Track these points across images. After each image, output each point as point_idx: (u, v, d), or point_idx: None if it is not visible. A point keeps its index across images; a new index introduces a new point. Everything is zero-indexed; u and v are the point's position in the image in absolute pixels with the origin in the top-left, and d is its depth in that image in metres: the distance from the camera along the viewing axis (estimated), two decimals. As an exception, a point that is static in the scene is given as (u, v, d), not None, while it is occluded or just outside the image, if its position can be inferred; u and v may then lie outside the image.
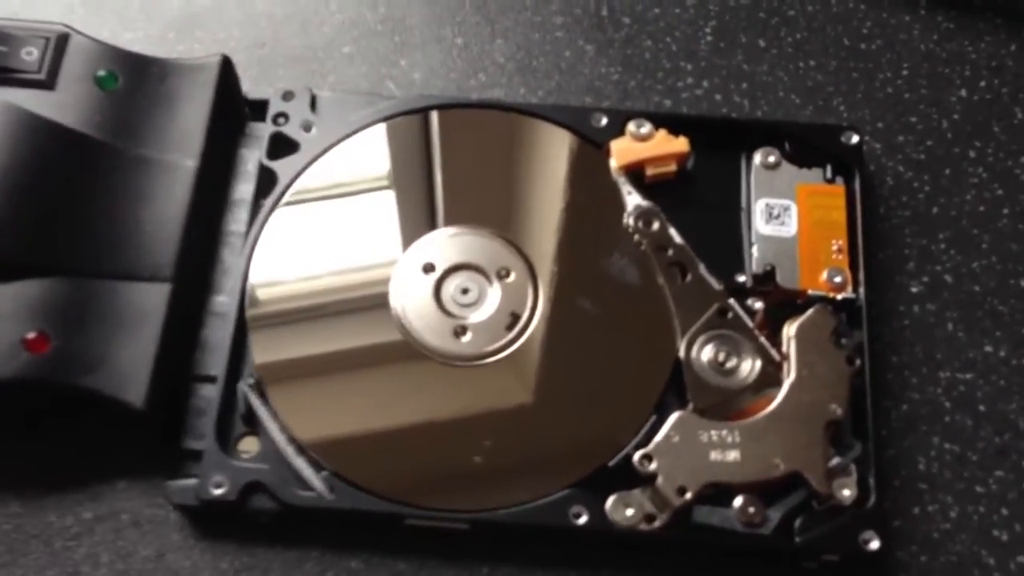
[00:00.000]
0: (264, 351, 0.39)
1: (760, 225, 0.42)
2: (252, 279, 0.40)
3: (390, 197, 0.43)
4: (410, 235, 0.42)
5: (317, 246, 0.41)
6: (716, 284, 0.41)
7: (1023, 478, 0.40)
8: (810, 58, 0.48)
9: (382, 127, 0.43)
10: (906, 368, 0.42)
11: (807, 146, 0.43)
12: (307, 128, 0.43)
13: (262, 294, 0.40)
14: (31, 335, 0.36)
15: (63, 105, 0.39)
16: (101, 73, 0.40)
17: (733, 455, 0.37)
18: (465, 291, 0.41)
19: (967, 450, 0.40)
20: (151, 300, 0.38)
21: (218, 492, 0.37)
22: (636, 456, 0.37)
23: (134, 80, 0.41)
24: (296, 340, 0.40)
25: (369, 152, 0.43)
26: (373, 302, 0.40)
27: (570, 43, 0.48)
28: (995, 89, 0.47)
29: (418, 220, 0.42)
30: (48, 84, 0.40)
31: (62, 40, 0.40)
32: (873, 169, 0.45)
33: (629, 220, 0.42)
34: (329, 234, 0.42)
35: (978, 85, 0.47)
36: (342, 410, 0.39)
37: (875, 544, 0.36)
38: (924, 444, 0.40)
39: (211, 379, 0.39)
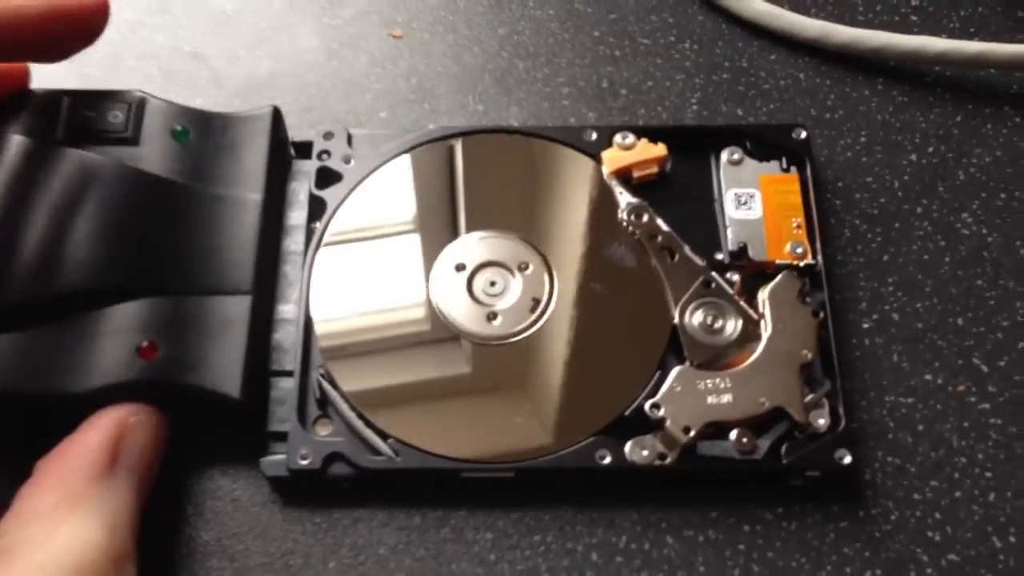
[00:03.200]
0: (328, 349, 0.46)
1: (731, 211, 0.49)
2: (313, 294, 0.47)
3: (421, 214, 0.50)
4: (441, 242, 0.49)
5: (364, 262, 0.49)
6: (700, 261, 0.48)
7: (954, 488, 0.45)
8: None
9: (407, 157, 0.51)
10: (856, 392, 0.47)
11: (765, 143, 0.50)
12: (347, 161, 0.50)
13: (325, 306, 0.47)
14: (143, 344, 0.43)
15: (148, 157, 0.46)
16: (176, 128, 0.47)
17: (726, 398, 0.44)
18: (493, 283, 0.48)
19: (906, 463, 0.46)
20: (236, 310, 0.45)
21: (304, 463, 0.43)
22: (647, 405, 0.44)
23: (203, 132, 0.48)
24: (356, 336, 0.47)
25: (400, 178, 0.50)
26: (417, 299, 0.48)
27: (575, 111, 0.55)
28: (941, 154, 0.53)
29: (446, 229, 0.49)
30: (134, 140, 0.47)
31: (141, 103, 0.48)
32: (833, 222, 0.51)
33: (623, 215, 0.49)
34: (373, 251, 0.49)
35: (927, 151, 0.53)
36: (400, 388, 0.46)
37: (847, 459, 0.43)
38: (870, 457, 0.46)
39: (288, 373, 0.45)
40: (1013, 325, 0.49)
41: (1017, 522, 0.45)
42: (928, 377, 0.48)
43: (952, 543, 0.44)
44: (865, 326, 0.49)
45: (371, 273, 0.49)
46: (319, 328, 0.47)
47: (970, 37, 0.57)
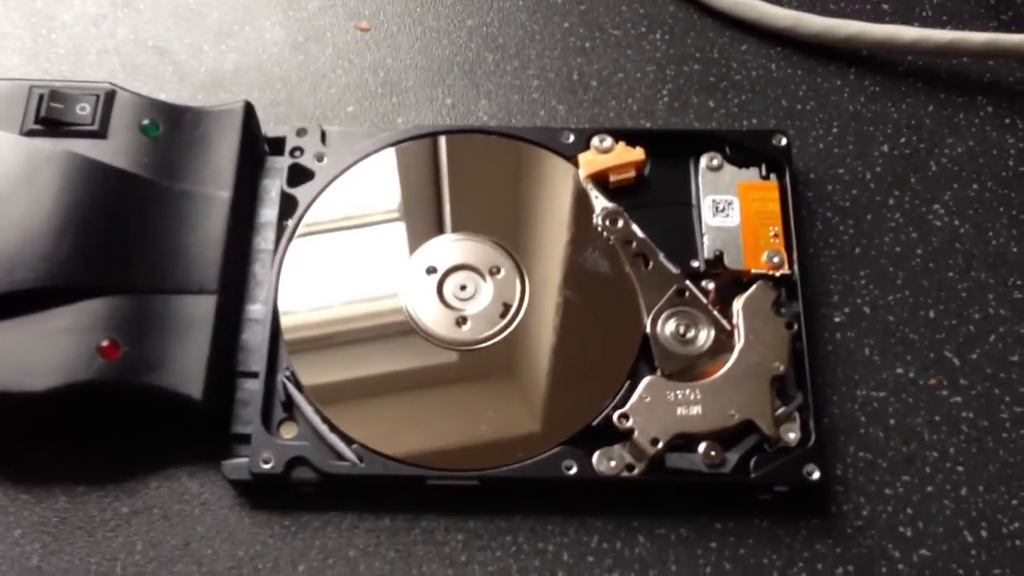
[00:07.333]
0: (296, 348, 0.46)
1: (708, 218, 0.48)
2: (282, 294, 0.46)
3: (393, 215, 0.49)
4: (413, 244, 0.48)
5: (334, 261, 0.48)
6: (674, 269, 0.47)
7: (926, 483, 0.45)
8: (753, 117, 0.53)
9: (383, 154, 0.50)
10: (828, 387, 0.47)
11: (744, 149, 0.50)
12: (319, 158, 0.49)
13: (294, 305, 0.47)
14: (104, 343, 0.42)
15: (115, 151, 0.46)
16: (145, 122, 0.47)
17: (696, 409, 0.44)
18: (463, 287, 0.47)
19: (878, 458, 0.45)
20: (201, 310, 0.44)
21: (266, 467, 0.43)
22: (615, 415, 0.44)
23: (173, 127, 0.47)
24: (323, 342, 0.46)
25: (372, 177, 0.50)
26: (387, 302, 0.47)
27: (545, 103, 0.54)
28: (913, 145, 0.53)
29: (419, 231, 0.49)
30: (101, 134, 0.46)
31: (110, 96, 0.47)
32: (805, 215, 0.51)
33: (598, 220, 0.48)
34: (344, 251, 0.48)
35: (899, 141, 0.53)
36: (366, 392, 0.45)
37: (816, 475, 0.43)
38: (841, 453, 0.45)
39: (253, 374, 0.45)
40: (984, 318, 0.49)
41: (988, 516, 0.44)
42: (900, 371, 0.47)
43: (924, 538, 0.44)
44: (837, 320, 0.48)
45: (340, 274, 0.48)
46: (285, 324, 0.46)
47: (942, 25, 0.56)
